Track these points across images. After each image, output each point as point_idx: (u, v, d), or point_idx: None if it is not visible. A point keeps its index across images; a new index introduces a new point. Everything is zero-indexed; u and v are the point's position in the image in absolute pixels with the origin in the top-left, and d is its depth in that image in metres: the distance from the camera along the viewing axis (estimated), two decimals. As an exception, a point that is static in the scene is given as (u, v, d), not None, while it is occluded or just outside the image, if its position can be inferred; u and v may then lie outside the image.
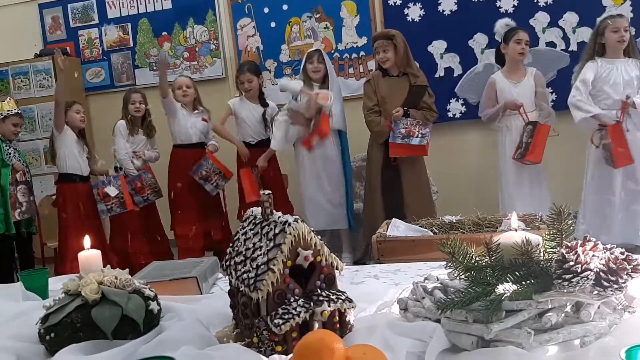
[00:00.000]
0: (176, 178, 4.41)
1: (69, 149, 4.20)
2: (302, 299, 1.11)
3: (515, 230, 1.12)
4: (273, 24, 5.11)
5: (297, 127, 4.05)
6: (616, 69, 3.55)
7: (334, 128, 4.05)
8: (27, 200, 4.12)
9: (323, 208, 4.09)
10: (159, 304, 1.27)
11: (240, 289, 1.17)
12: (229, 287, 1.27)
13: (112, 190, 4.18)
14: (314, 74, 4.08)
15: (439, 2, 4.72)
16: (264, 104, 4.37)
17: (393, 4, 4.81)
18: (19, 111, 4.23)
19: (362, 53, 4.94)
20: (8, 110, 4.12)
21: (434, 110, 3.93)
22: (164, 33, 5.36)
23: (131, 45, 5.44)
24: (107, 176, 4.29)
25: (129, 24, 5.42)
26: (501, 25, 3.95)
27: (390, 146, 3.79)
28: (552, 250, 1.07)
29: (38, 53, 5.30)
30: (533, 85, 3.84)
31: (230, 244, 1.27)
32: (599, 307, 1.03)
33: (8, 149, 4.16)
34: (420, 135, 3.76)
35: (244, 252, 1.19)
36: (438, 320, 1.08)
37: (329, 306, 1.11)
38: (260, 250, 1.15)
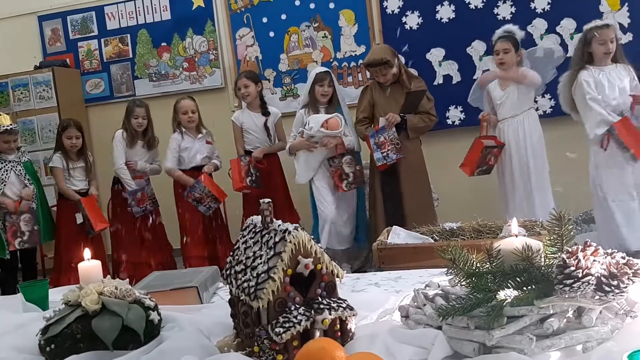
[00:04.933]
0: (183, 201, 4.40)
1: (59, 168, 4.25)
2: (302, 307, 1.11)
3: (516, 236, 1.12)
4: (272, 34, 5.13)
5: (321, 152, 3.96)
6: (609, 74, 3.57)
7: (350, 149, 4.02)
8: (31, 229, 4.10)
9: (337, 227, 4.01)
10: (159, 314, 1.27)
11: (241, 298, 1.17)
12: (229, 296, 1.27)
13: (78, 218, 4.20)
14: (323, 97, 4.01)
15: (436, 10, 4.74)
16: (265, 113, 4.38)
17: (391, 12, 4.83)
18: (11, 127, 4.13)
19: (360, 61, 4.95)
20: None
21: (432, 114, 3.95)
22: (163, 44, 5.38)
23: (130, 56, 5.46)
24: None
25: (128, 35, 5.44)
26: (499, 32, 3.96)
27: (367, 138, 3.90)
28: (552, 255, 1.07)
29: (38, 65, 5.31)
30: (521, 87, 3.85)
31: (231, 253, 1.27)
32: (600, 312, 1.03)
33: (5, 165, 4.15)
34: (384, 155, 3.80)
35: (244, 261, 1.19)
36: (439, 327, 1.08)
37: (330, 314, 1.11)
38: (261, 258, 1.14)
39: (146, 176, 4.47)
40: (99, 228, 4.22)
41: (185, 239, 4.43)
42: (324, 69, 4.21)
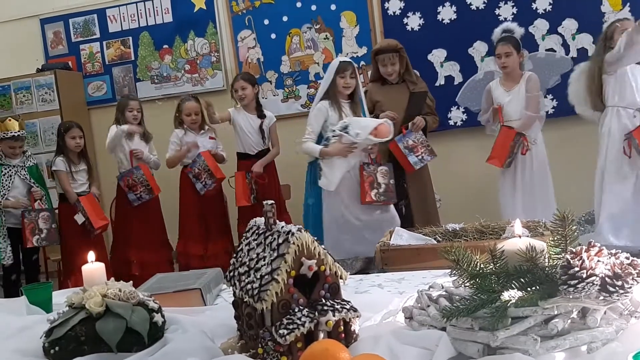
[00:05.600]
0: (187, 198, 4.41)
1: (63, 172, 4.25)
2: (306, 309, 1.11)
3: (519, 237, 1.12)
4: (273, 36, 5.13)
5: (355, 157, 3.58)
6: (632, 68, 3.55)
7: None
8: (49, 227, 4.14)
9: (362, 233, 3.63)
10: (163, 316, 1.26)
11: (245, 300, 1.17)
12: (233, 298, 1.27)
13: (79, 218, 4.21)
14: (345, 90, 3.63)
15: (438, 11, 4.74)
16: (261, 115, 4.38)
17: (392, 14, 4.84)
18: (18, 133, 4.16)
19: (362, 63, 4.95)
20: (4, 133, 4.12)
21: (435, 114, 3.99)
22: (165, 46, 5.39)
23: (132, 58, 5.47)
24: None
25: (130, 38, 5.45)
26: (498, 32, 3.97)
27: (392, 143, 3.76)
28: (556, 256, 1.07)
29: (40, 68, 5.33)
30: (524, 91, 3.84)
31: (234, 255, 1.27)
32: (605, 313, 1.03)
33: (9, 170, 4.17)
34: (420, 157, 3.77)
35: (247, 263, 1.19)
36: (444, 329, 1.07)
37: (334, 316, 1.10)
38: (264, 260, 1.14)
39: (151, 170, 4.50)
40: (99, 225, 4.23)
41: (183, 236, 4.45)
42: (347, 58, 3.84)
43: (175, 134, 4.41)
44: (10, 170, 4.18)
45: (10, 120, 4.19)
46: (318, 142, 3.63)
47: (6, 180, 4.15)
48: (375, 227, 3.49)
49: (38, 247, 4.28)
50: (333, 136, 3.55)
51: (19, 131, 4.17)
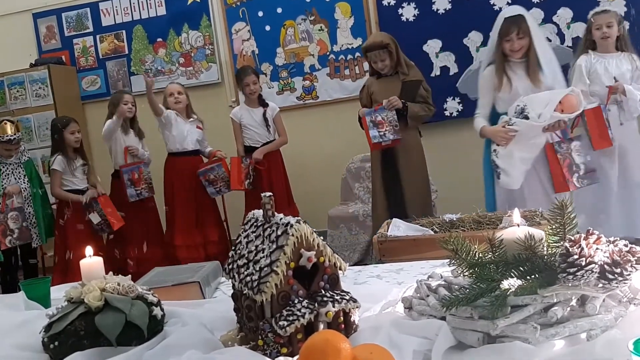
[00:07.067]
0: (173, 187, 4.40)
1: (59, 172, 4.23)
2: (306, 300, 1.11)
3: (518, 225, 1.12)
4: (268, 28, 5.11)
5: (531, 146, 2.97)
6: (607, 62, 3.56)
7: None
8: (20, 226, 4.11)
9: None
10: (162, 310, 1.26)
11: (244, 292, 1.17)
12: (232, 291, 1.27)
13: (95, 217, 4.19)
14: (513, 54, 3.02)
15: (433, 1, 4.73)
16: (264, 105, 4.38)
17: (387, 4, 4.82)
18: (13, 137, 4.14)
19: (357, 54, 4.94)
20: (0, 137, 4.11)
21: (430, 103, 3.90)
22: (159, 39, 5.36)
23: (126, 52, 5.44)
24: (87, 200, 4.25)
25: (124, 31, 5.42)
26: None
27: (363, 116, 3.74)
28: (555, 244, 1.07)
29: (33, 62, 5.29)
30: None
31: (233, 247, 1.27)
32: (604, 300, 1.03)
33: (6, 168, 4.15)
34: (381, 134, 3.70)
35: (246, 255, 1.19)
36: (443, 318, 1.08)
37: (334, 307, 1.10)
38: (263, 252, 1.14)
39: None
40: (117, 227, 4.24)
41: (173, 227, 4.45)
42: (514, 11, 3.13)
43: (167, 116, 4.33)
44: (7, 168, 4.18)
45: (6, 123, 4.17)
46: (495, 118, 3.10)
47: (5, 179, 4.15)
48: None
49: (15, 247, 4.23)
50: (509, 125, 2.94)
51: (14, 134, 4.15)
